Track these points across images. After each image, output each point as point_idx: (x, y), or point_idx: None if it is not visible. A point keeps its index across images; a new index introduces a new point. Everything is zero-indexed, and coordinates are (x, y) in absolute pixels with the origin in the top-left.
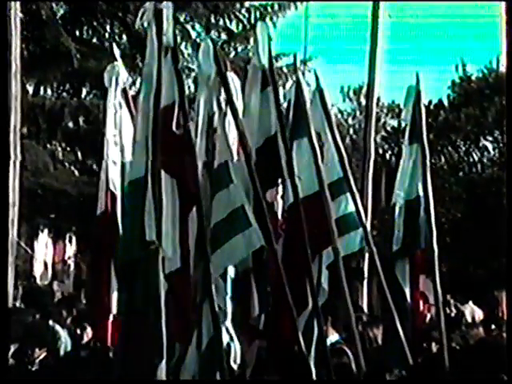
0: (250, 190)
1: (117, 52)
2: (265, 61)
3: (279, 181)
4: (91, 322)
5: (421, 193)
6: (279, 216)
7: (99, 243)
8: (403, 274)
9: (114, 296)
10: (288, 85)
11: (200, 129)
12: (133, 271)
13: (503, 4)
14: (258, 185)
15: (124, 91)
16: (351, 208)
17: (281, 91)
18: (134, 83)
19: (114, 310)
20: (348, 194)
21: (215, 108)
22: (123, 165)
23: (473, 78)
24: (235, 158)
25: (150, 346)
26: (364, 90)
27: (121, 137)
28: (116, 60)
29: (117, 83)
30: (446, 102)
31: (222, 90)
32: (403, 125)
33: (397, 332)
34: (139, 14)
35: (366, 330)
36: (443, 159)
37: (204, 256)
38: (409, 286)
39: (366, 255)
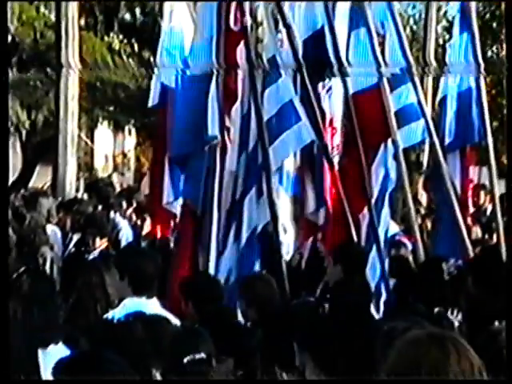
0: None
1: None
2: None
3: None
4: (150, 213)
5: (473, 85)
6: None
7: (157, 135)
8: (454, 167)
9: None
10: None
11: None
12: (186, 165)
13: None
14: (306, 78)
15: None
16: (413, 99)
17: None
18: None
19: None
20: (410, 85)
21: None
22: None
23: None
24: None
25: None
26: None
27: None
28: None
29: None
30: None
31: None
32: None
33: (454, 223)
34: None
35: (424, 222)
36: None
37: (263, 147)
38: (459, 178)
39: (426, 148)
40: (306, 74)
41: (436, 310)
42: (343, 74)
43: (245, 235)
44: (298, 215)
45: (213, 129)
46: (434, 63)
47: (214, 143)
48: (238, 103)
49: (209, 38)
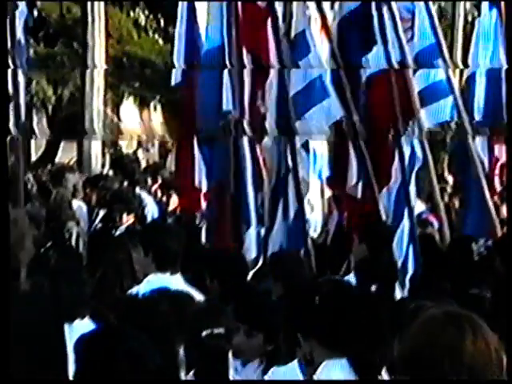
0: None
1: None
2: None
3: None
4: (178, 191)
5: (502, 62)
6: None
7: (183, 113)
8: (482, 145)
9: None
10: None
11: None
12: (211, 141)
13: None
14: (337, 56)
15: None
16: (442, 76)
17: None
18: None
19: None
20: (439, 61)
21: None
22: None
23: None
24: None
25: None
26: None
27: None
28: None
29: None
30: None
31: None
32: None
33: (482, 202)
34: None
35: (451, 200)
36: None
37: (288, 128)
38: (487, 157)
39: (452, 126)
40: (337, 50)
41: (471, 291)
42: (387, 49)
43: (292, 211)
44: (335, 190)
45: (227, 104)
46: (460, 38)
47: (228, 118)
48: (271, 78)
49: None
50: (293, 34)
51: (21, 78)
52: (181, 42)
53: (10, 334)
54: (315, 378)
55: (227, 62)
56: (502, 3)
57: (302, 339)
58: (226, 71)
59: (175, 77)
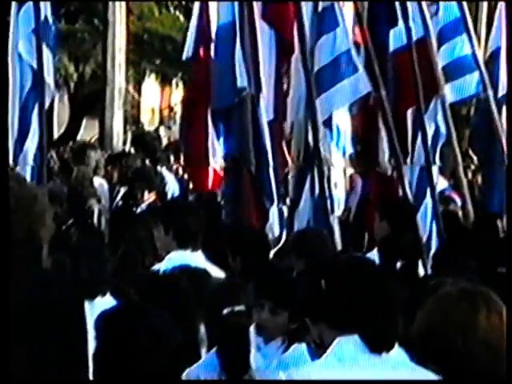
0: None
1: None
2: None
3: None
4: (190, 174)
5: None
6: None
7: (197, 88)
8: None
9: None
10: None
11: None
12: (227, 117)
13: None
14: (365, 29)
15: None
16: (467, 50)
17: None
18: None
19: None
20: (465, 36)
21: None
22: None
23: None
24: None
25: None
26: None
27: None
28: None
29: None
30: None
31: None
32: None
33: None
34: None
35: (475, 177)
36: None
37: (310, 104)
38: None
39: (474, 101)
40: (365, 24)
41: (498, 269)
42: (408, 25)
43: (317, 187)
44: (359, 167)
45: (241, 80)
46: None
47: (243, 95)
48: (296, 54)
49: None
50: (320, 7)
51: (49, 58)
52: (195, 19)
53: (10, 333)
54: (326, 355)
55: (238, 39)
56: None
57: (310, 321)
58: (238, 47)
59: (187, 52)
